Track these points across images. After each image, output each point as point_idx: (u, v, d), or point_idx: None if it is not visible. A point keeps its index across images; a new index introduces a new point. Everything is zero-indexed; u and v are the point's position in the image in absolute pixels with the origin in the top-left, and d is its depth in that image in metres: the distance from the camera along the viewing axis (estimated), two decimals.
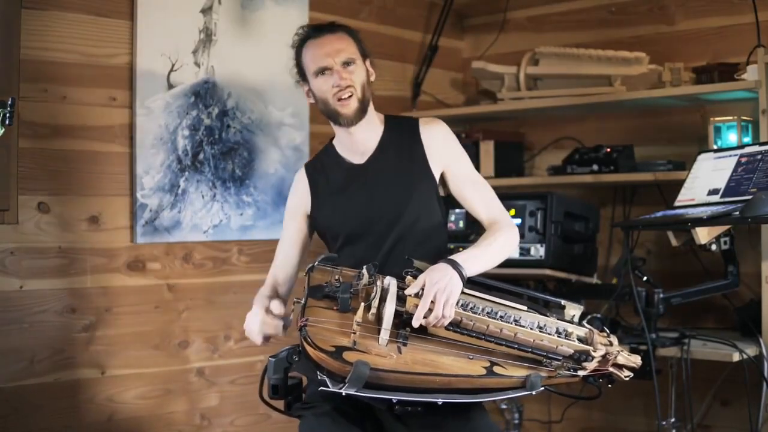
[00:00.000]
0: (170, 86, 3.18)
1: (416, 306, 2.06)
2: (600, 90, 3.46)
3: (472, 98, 4.12)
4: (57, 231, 2.94)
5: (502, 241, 2.31)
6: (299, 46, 2.42)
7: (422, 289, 2.07)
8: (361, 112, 2.38)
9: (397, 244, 2.37)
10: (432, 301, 2.04)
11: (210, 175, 3.30)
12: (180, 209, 3.22)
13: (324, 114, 2.43)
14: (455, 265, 2.12)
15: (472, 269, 2.17)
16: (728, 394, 3.30)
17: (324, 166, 2.50)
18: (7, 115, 2.04)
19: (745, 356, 2.90)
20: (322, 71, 2.36)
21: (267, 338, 2.25)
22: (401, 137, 2.44)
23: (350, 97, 2.35)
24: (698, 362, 2.97)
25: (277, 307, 2.22)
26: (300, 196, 2.50)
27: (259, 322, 2.23)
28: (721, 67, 3.20)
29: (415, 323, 2.05)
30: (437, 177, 2.43)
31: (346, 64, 2.35)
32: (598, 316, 3.14)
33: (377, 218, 2.39)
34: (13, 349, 2.85)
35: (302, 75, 2.44)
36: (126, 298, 3.10)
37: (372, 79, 2.43)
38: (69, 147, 2.98)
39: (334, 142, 2.51)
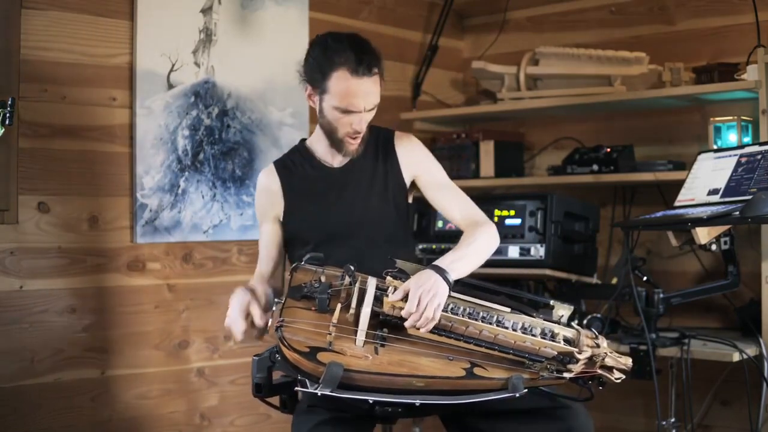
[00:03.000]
0: (170, 86, 3.19)
1: (393, 307, 2.06)
2: (600, 90, 3.46)
3: (472, 98, 4.12)
4: (57, 231, 2.94)
5: (482, 240, 2.32)
6: (330, 64, 2.29)
7: (407, 294, 2.07)
8: (362, 145, 2.42)
9: (372, 248, 2.38)
10: (418, 304, 2.04)
11: (210, 175, 3.30)
12: (180, 209, 3.22)
13: (323, 128, 2.42)
14: (439, 270, 2.13)
15: (457, 272, 2.18)
16: (728, 394, 3.30)
17: (297, 165, 2.49)
18: (7, 115, 2.04)
19: (745, 356, 2.90)
20: (347, 112, 2.32)
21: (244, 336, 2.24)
22: (377, 146, 2.49)
23: (360, 135, 2.38)
24: (698, 362, 2.97)
25: (258, 317, 2.21)
26: (272, 198, 2.48)
27: (240, 330, 2.22)
28: (721, 67, 3.20)
29: (409, 326, 2.06)
30: (408, 185, 2.49)
31: (370, 109, 2.35)
32: (598, 316, 3.15)
33: (353, 222, 2.42)
34: (13, 349, 2.84)
35: (314, 81, 2.34)
36: (126, 298, 3.10)
37: None
38: (69, 147, 2.98)
39: (311, 143, 2.51)
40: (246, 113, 3.39)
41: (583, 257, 3.42)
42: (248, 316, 2.22)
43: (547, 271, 3.29)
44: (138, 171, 3.11)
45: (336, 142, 2.40)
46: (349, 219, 2.42)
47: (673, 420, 3.00)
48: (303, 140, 2.56)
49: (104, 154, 3.06)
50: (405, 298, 2.08)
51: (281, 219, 2.48)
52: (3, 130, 2.04)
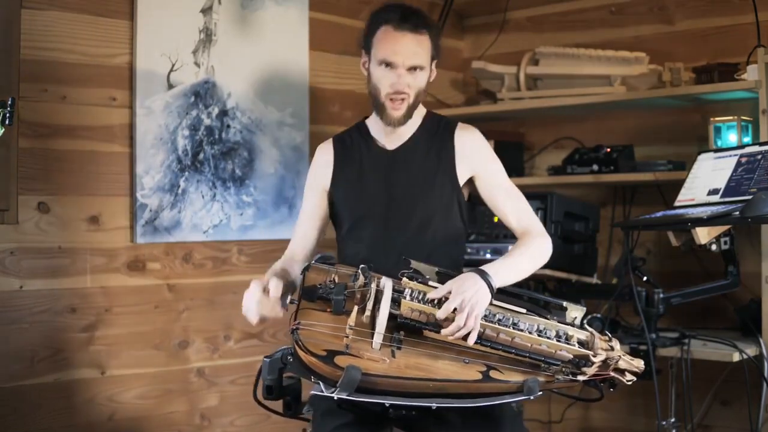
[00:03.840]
0: (170, 86, 3.18)
1: (412, 310, 2.03)
2: (600, 90, 3.46)
3: (472, 98, 4.12)
4: (57, 231, 2.94)
5: (533, 252, 2.29)
6: (377, 22, 2.34)
7: (446, 297, 2.04)
8: (407, 117, 2.36)
9: (409, 237, 2.34)
10: (455, 310, 2.02)
11: (210, 175, 3.29)
12: (180, 209, 3.22)
13: (370, 96, 2.38)
14: (484, 275, 2.09)
15: (502, 280, 2.14)
16: (728, 394, 3.30)
17: (354, 142, 2.46)
18: (7, 115, 2.04)
19: (745, 356, 2.90)
20: (386, 64, 2.30)
21: (263, 319, 2.18)
22: (435, 135, 2.43)
23: (402, 101, 2.32)
24: (698, 362, 2.96)
25: (274, 287, 2.14)
26: (322, 171, 2.46)
27: (255, 301, 2.15)
28: (721, 67, 3.19)
29: (446, 334, 2.02)
30: (462, 182, 2.40)
31: (413, 69, 2.30)
32: (598, 316, 3.15)
33: (394, 207, 2.36)
34: (13, 349, 2.84)
35: (367, 45, 2.36)
36: (126, 298, 3.10)
37: (431, 79, 2.40)
38: (69, 147, 2.98)
39: (369, 121, 2.48)
40: (246, 113, 3.39)
41: (583, 257, 3.42)
42: (265, 290, 2.16)
43: (547, 271, 3.28)
44: (138, 171, 3.11)
45: (380, 109, 2.35)
46: (389, 201, 2.37)
47: (673, 420, 3.00)
48: (364, 118, 2.51)
49: (104, 154, 3.06)
50: (434, 300, 2.06)
51: (328, 189, 2.45)
52: (3, 130, 2.04)
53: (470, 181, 2.42)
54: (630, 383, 2.15)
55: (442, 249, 2.35)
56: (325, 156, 2.47)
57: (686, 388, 2.92)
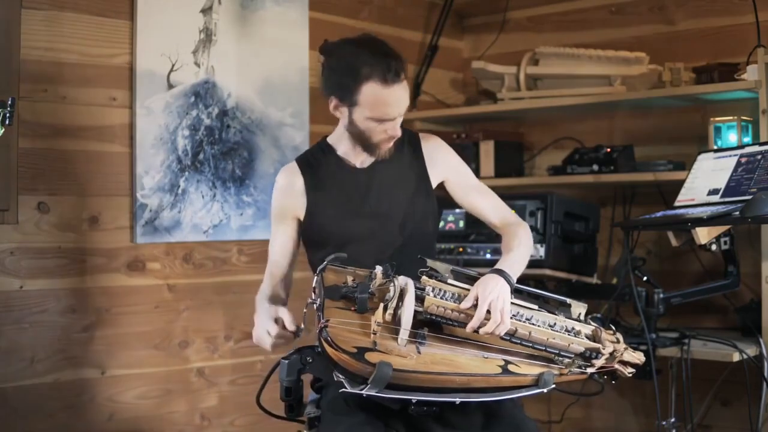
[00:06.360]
0: (170, 86, 3.19)
1: (437, 306, 2.08)
2: (600, 90, 3.46)
3: (472, 98, 4.12)
4: (57, 231, 2.95)
5: (528, 242, 2.37)
6: (359, 76, 2.21)
7: (476, 300, 2.10)
8: (393, 145, 2.36)
9: (396, 250, 2.36)
10: (488, 310, 2.08)
11: (210, 175, 3.30)
12: (180, 209, 3.22)
13: (353, 136, 2.34)
14: (503, 274, 2.17)
15: (515, 275, 2.22)
16: (728, 394, 3.30)
17: (321, 164, 2.43)
18: (7, 115, 2.04)
19: (745, 356, 2.90)
20: (382, 121, 2.27)
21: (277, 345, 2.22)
22: (403, 147, 2.43)
23: (393, 139, 2.34)
24: (698, 362, 2.97)
25: (289, 322, 2.15)
26: (293, 197, 2.40)
27: (266, 331, 2.18)
28: (721, 67, 3.20)
29: (484, 332, 2.09)
30: (434, 185, 2.46)
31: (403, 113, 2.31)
32: (598, 315, 3.14)
33: (379, 225, 2.37)
34: (13, 349, 2.85)
35: (341, 95, 2.27)
36: (126, 298, 3.10)
37: None
38: (69, 147, 2.98)
39: (333, 141, 2.44)
40: (246, 113, 3.39)
41: (583, 257, 3.42)
42: (278, 321, 2.18)
43: (547, 271, 3.29)
44: (138, 171, 3.11)
45: (370, 147, 2.33)
46: (374, 220, 2.37)
47: (673, 420, 3.00)
48: (325, 138, 2.48)
49: (104, 154, 3.06)
50: (456, 295, 2.12)
51: (301, 219, 2.41)
52: (3, 130, 2.04)
53: (438, 187, 2.48)
54: (630, 375, 2.23)
55: (424, 252, 2.35)
56: (293, 182, 2.41)
57: (686, 388, 2.92)
